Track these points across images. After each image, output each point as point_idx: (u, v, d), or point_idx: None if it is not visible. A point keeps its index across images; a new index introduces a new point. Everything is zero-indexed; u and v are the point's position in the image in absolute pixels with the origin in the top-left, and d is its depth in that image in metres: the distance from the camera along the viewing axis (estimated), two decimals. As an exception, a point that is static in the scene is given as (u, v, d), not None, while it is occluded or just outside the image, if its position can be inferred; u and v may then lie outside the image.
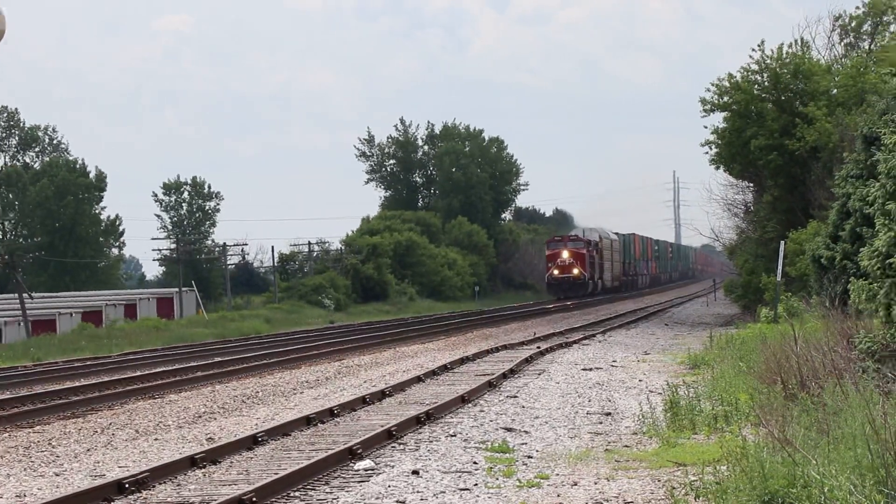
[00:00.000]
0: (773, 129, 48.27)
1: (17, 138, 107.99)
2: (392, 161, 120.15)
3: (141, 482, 14.21)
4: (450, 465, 15.23)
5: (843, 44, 54.19)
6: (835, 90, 47.28)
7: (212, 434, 19.45)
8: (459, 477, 14.33)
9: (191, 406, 23.89)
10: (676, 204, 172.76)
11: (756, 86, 49.75)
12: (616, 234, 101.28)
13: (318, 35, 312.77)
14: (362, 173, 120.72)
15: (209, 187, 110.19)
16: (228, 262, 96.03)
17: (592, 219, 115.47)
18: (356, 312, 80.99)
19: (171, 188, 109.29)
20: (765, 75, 49.59)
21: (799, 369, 16.79)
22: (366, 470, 15.03)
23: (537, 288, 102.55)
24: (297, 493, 13.66)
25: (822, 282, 31.00)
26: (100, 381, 30.44)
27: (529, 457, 15.74)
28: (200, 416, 22.17)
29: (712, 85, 50.06)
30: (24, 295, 71.65)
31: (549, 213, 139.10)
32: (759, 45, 49.22)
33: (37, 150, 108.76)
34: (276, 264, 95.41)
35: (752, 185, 57.19)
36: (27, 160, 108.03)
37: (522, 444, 16.94)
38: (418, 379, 26.92)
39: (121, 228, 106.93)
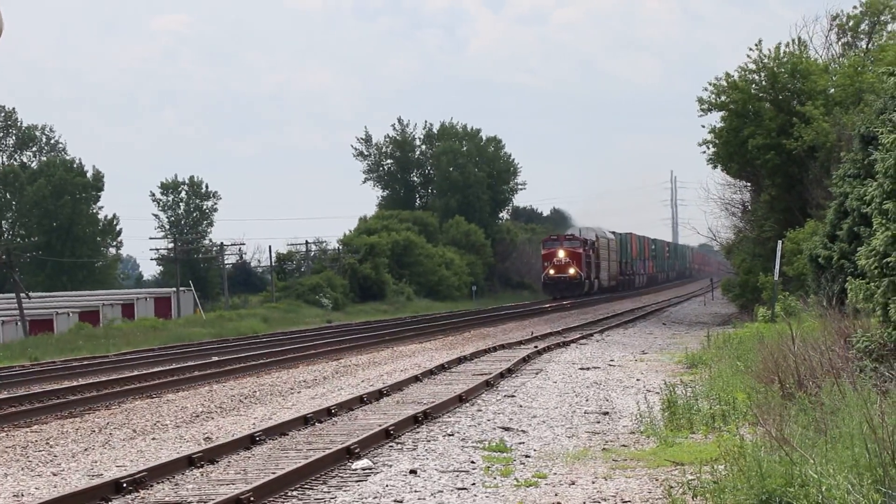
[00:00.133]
0: (770, 129, 48.30)
1: (14, 138, 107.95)
2: (389, 161, 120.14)
3: (138, 482, 14.20)
4: (447, 464, 15.23)
5: (840, 43, 54.23)
6: (832, 89, 47.30)
7: (209, 434, 19.45)
8: (457, 476, 14.33)
9: (188, 406, 23.89)
10: (674, 203, 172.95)
11: (753, 85, 49.78)
12: (613, 233, 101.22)
13: (317, 35, 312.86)
14: (360, 173, 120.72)
15: (207, 187, 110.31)
16: (226, 262, 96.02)
17: (590, 218, 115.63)
18: (354, 312, 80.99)
19: (169, 188, 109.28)
20: (762, 75, 49.63)
21: (796, 368, 16.80)
22: (363, 469, 15.03)
23: (535, 287, 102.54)
24: (294, 493, 13.65)
25: (820, 281, 31.01)
26: (97, 380, 30.44)
27: (527, 456, 15.74)
28: (198, 416, 22.16)
29: (710, 84, 50.14)
30: (22, 294, 71.63)
31: (546, 213, 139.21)
32: (756, 45, 49.32)
33: (34, 149, 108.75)
34: (273, 264, 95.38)
35: (749, 184, 57.21)
36: (24, 160, 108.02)
37: (520, 443, 16.94)
38: (416, 378, 26.91)
39: (118, 228, 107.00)
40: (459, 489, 13.52)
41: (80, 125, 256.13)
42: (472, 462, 15.31)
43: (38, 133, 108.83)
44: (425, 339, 44.50)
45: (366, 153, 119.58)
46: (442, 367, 29.61)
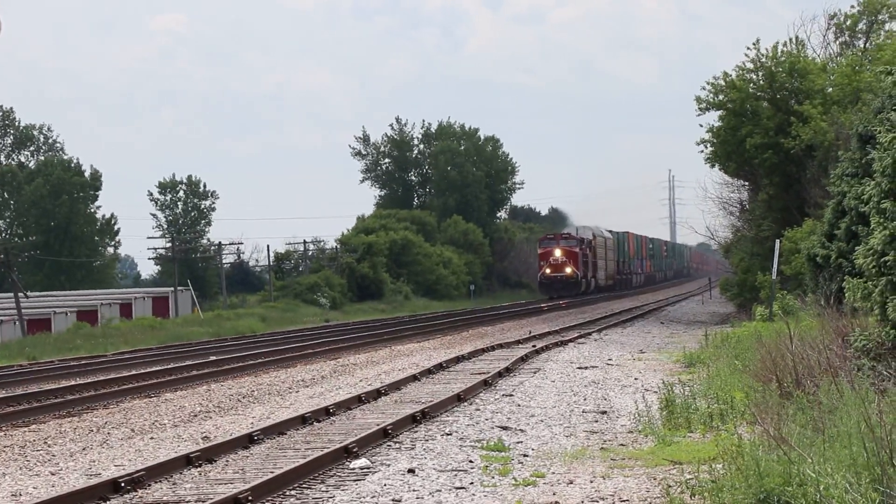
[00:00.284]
0: (768, 128, 48.29)
1: (12, 137, 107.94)
2: (387, 160, 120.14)
3: (136, 481, 14.19)
4: (446, 463, 15.23)
5: (838, 42, 54.21)
6: (830, 88, 47.28)
7: (207, 433, 19.44)
8: (455, 475, 14.33)
9: (186, 405, 23.88)
10: (672, 202, 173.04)
11: (751, 84, 49.75)
12: (610, 232, 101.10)
13: (315, 34, 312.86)
14: (358, 172, 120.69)
15: (205, 186, 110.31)
16: (224, 261, 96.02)
17: (588, 218, 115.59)
18: (352, 311, 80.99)
19: (167, 187, 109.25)
20: (760, 74, 49.60)
21: (794, 367, 16.80)
22: (362, 468, 15.02)
23: (533, 287, 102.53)
24: (293, 492, 13.65)
25: (818, 280, 31.02)
26: (95, 380, 30.43)
27: (525, 455, 15.74)
28: (196, 415, 22.16)
29: (708, 84, 50.10)
30: (20, 294, 71.60)
31: (545, 212, 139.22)
32: (754, 44, 49.28)
33: (32, 149, 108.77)
34: (271, 263, 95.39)
35: (747, 183, 57.21)
36: (22, 159, 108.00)
37: (518, 442, 16.94)
38: (414, 378, 26.90)
39: (116, 227, 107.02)
40: (458, 488, 13.51)
41: (78, 125, 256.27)
42: (471, 461, 15.31)
43: (36, 133, 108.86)
44: (423, 339, 44.49)
45: (364, 152, 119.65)
46: (440, 367, 29.60)
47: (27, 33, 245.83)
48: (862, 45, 51.52)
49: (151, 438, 19.15)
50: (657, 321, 54.00)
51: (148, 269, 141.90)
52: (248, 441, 17.52)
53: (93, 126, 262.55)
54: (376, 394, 23.64)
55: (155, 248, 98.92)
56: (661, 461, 14.68)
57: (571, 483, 13.58)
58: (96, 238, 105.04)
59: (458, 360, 31.81)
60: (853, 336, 18.73)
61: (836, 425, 11.81)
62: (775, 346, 19.29)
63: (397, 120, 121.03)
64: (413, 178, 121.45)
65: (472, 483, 13.79)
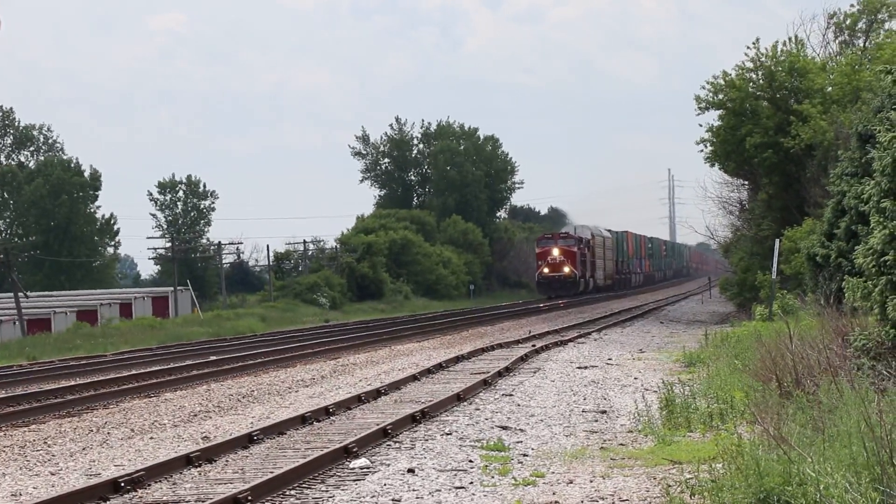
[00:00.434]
0: (767, 127, 48.28)
1: (12, 137, 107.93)
2: (387, 160, 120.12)
3: (136, 481, 14.19)
4: (445, 463, 15.22)
5: (837, 41, 54.22)
6: (829, 88, 47.27)
7: (207, 433, 19.44)
8: (455, 475, 14.32)
9: (186, 405, 23.87)
10: (672, 202, 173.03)
11: (751, 83, 49.74)
12: (609, 231, 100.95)
13: (314, 34, 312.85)
14: (357, 172, 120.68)
15: (204, 186, 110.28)
16: (224, 261, 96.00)
17: (588, 217, 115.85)
18: (351, 311, 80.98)
19: (167, 187, 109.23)
20: (760, 73, 49.60)
21: (794, 367, 16.80)
22: (361, 468, 15.02)
23: (532, 286, 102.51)
24: (292, 492, 13.64)
25: (818, 279, 31.02)
26: (95, 380, 30.42)
27: (525, 455, 15.73)
28: (196, 415, 22.15)
29: (707, 83, 50.11)
30: (20, 294, 71.59)
31: (544, 212, 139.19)
32: (753, 43, 49.28)
33: (31, 149, 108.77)
34: (271, 263, 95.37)
35: (747, 182, 57.22)
36: (22, 159, 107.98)
37: (518, 442, 16.93)
38: (414, 377, 26.90)
39: (116, 227, 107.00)
40: (457, 488, 13.51)
41: (77, 125, 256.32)
42: (470, 461, 15.30)
43: (35, 133, 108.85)
44: (423, 338, 44.49)
45: (363, 152, 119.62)
46: (440, 366, 29.59)
47: (27, 33, 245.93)
48: (861, 45, 51.53)
49: (151, 438, 19.15)
50: (657, 321, 53.99)
51: (148, 268, 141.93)
52: (247, 441, 17.52)
53: (92, 126, 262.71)
54: (376, 393, 23.64)
55: (155, 248, 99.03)
56: (661, 461, 14.67)
57: (571, 483, 13.58)
58: (96, 238, 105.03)
59: (458, 359, 31.80)
60: (853, 335, 18.72)
61: (835, 425, 11.81)
62: (775, 345, 19.29)
63: (397, 119, 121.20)
64: (412, 177, 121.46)
65: (471, 483, 13.79)
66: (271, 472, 14.26)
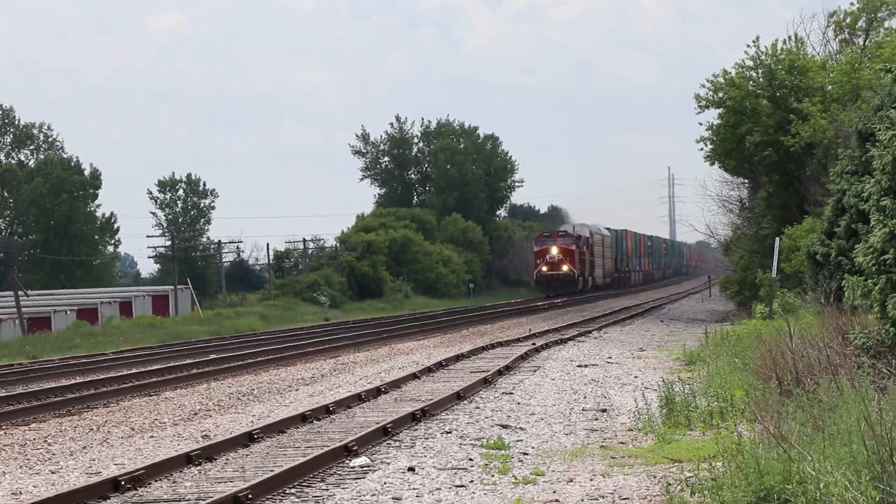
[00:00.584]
0: (767, 126, 48.27)
1: (11, 136, 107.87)
2: (387, 158, 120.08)
3: (137, 479, 14.20)
4: (445, 461, 15.23)
5: (837, 40, 54.17)
6: (829, 86, 47.27)
7: (207, 431, 19.44)
8: (455, 474, 14.33)
9: (186, 403, 23.88)
10: (671, 200, 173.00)
11: (751, 82, 49.74)
12: (608, 229, 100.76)
13: (313, 34, 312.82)
14: (357, 170, 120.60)
15: (204, 185, 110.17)
16: (224, 260, 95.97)
17: (588, 216, 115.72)
18: (351, 309, 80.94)
19: (166, 185, 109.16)
20: (759, 71, 49.59)
21: (794, 365, 16.80)
22: (361, 467, 15.03)
23: (532, 285, 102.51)
24: (292, 491, 13.65)
25: (818, 278, 31.01)
26: (95, 378, 30.43)
27: (525, 453, 15.74)
28: (196, 414, 22.16)
29: (707, 81, 50.10)
30: (20, 292, 71.58)
31: (544, 210, 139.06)
32: (753, 42, 49.29)
33: (31, 147, 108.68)
34: (271, 261, 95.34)
35: (747, 181, 57.22)
36: (22, 158, 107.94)
37: (518, 440, 16.94)
38: (414, 376, 26.91)
39: (116, 226, 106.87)
40: (457, 486, 13.52)
41: (77, 124, 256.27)
42: (471, 459, 15.31)
43: (35, 131, 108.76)
44: (423, 337, 44.49)
45: (363, 151, 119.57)
46: (440, 365, 29.60)
47: (26, 33, 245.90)
48: (861, 43, 51.49)
49: (151, 437, 19.15)
50: (657, 319, 54.00)
51: (148, 267, 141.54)
52: (248, 439, 17.52)
53: (92, 125, 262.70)
54: (376, 392, 23.64)
55: (155, 247, 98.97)
56: (661, 459, 14.68)
57: (571, 481, 13.58)
58: (96, 236, 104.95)
59: (458, 358, 31.81)
60: (853, 334, 18.72)
61: (836, 423, 11.81)
62: (775, 343, 19.29)
63: (397, 118, 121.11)
64: (413, 176, 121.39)
65: (471, 481, 13.80)
66: (272, 471, 14.27)
